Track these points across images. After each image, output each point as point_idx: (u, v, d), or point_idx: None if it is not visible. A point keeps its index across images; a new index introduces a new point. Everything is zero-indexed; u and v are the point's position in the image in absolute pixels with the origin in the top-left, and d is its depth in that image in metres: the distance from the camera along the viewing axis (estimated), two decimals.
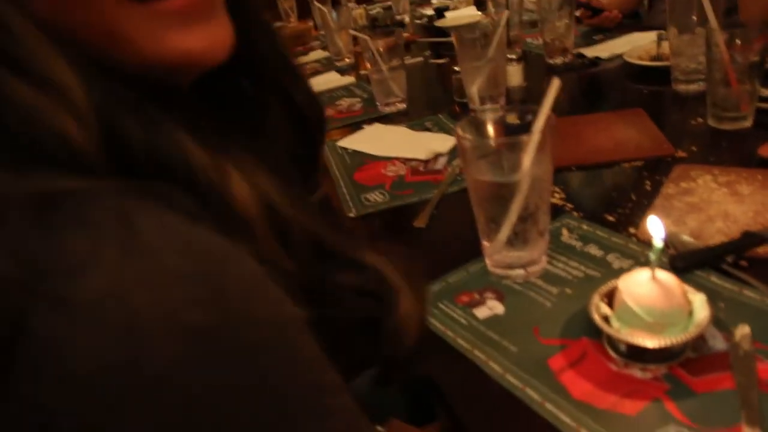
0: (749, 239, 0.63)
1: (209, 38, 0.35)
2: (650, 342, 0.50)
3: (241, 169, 0.34)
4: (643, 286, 0.51)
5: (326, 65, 1.92)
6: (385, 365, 0.45)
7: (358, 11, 2.27)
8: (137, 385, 0.23)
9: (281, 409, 0.27)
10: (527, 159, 0.59)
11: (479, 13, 2.06)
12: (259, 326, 0.27)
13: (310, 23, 2.50)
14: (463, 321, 0.62)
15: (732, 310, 0.56)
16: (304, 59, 2.07)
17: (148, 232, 0.25)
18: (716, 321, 0.54)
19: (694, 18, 1.09)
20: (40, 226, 0.25)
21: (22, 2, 0.30)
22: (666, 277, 0.52)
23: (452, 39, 1.26)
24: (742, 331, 0.46)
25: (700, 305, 0.52)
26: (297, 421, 0.28)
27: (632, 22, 1.80)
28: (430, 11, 2.32)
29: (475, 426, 0.51)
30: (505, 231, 0.63)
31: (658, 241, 0.52)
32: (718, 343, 0.53)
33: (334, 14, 1.93)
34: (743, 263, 0.62)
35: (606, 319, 0.54)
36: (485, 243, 0.68)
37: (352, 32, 1.35)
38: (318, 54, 2.10)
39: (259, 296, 0.28)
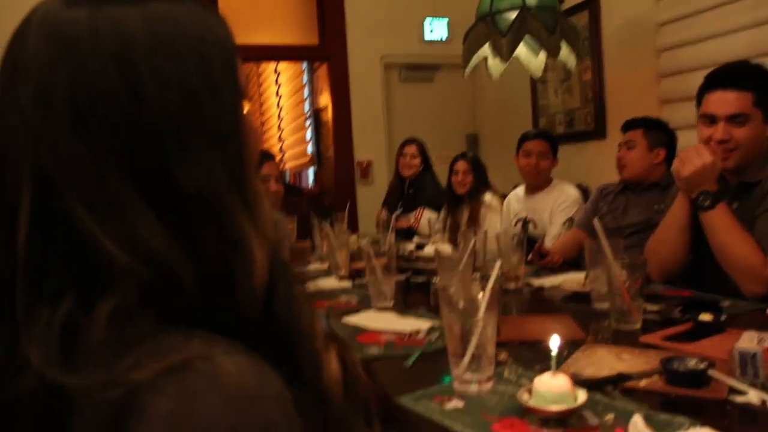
0: (620, 377, 0.99)
1: None
2: (554, 407, 0.83)
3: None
4: (548, 380, 0.86)
5: (325, 274, 2.35)
6: None
7: (353, 237, 2.78)
8: None
9: None
10: (482, 307, 0.97)
11: (451, 247, 2.57)
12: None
13: (308, 243, 3.01)
14: (437, 409, 0.94)
15: (605, 409, 0.90)
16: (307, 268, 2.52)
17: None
18: (594, 411, 0.88)
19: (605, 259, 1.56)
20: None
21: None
22: (561, 376, 0.87)
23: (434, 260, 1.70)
24: (609, 415, 0.81)
25: (582, 395, 0.86)
26: None
27: (570, 266, 2.29)
28: (411, 246, 2.84)
29: None
30: (467, 358, 0.99)
31: (554, 352, 0.88)
32: (593, 421, 0.86)
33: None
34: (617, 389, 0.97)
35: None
36: (453, 369, 1.02)
37: (365, 247, 1.78)
38: (317, 265, 2.55)
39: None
